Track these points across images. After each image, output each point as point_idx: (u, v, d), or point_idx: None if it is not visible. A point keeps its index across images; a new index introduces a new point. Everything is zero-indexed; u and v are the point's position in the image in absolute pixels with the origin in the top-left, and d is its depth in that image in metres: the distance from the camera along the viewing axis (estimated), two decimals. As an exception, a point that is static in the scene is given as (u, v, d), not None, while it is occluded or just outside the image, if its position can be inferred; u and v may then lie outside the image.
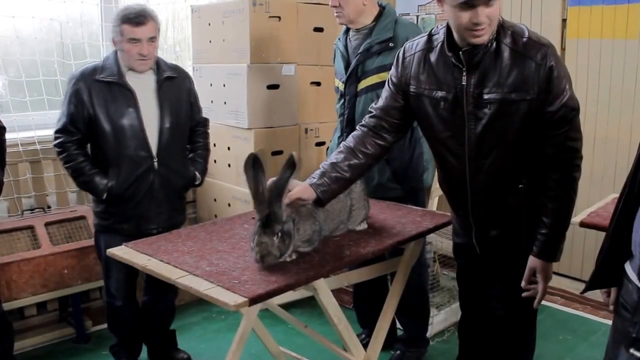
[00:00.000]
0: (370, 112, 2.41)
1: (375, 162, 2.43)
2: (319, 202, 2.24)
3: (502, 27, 2.07)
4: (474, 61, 2.08)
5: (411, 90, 2.27)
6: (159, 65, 2.98)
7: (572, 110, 2.06)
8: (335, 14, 2.99)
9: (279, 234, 2.05)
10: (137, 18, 2.78)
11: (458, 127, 2.16)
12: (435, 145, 2.32)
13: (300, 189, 2.19)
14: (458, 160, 2.22)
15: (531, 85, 2.03)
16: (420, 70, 2.24)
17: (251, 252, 2.09)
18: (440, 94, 2.18)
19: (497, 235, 2.30)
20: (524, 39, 2.05)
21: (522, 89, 2.03)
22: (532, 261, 2.17)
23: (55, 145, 2.90)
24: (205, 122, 3.29)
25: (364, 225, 2.52)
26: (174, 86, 3.03)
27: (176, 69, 3.11)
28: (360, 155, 2.31)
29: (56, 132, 2.89)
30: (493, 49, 2.06)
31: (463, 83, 2.11)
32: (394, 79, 2.35)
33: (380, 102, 2.40)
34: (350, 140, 2.37)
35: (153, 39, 2.86)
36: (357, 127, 2.42)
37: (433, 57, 2.20)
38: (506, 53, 2.05)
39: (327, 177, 2.25)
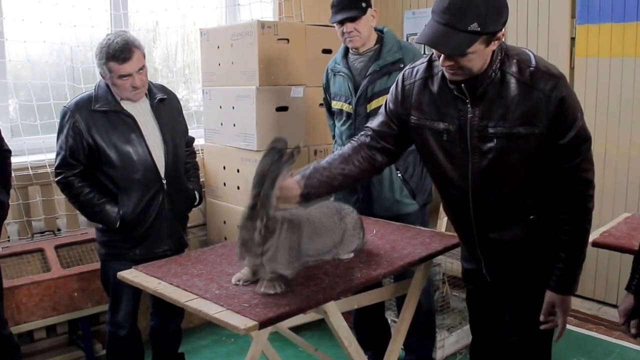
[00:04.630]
0: (366, 129, 2.35)
1: (366, 177, 2.43)
2: (302, 200, 2.20)
3: (507, 56, 1.98)
4: (477, 92, 1.99)
5: (412, 121, 2.19)
6: (150, 89, 2.98)
7: (584, 141, 1.98)
8: (349, 39, 3.03)
9: (263, 220, 1.98)
10: (123, 54, 2.72)
11: (461, 160, 2.08)
12: (437, 177, 2.23)
13: (286, 183, 2.12)
14: (461, 193, 2.13)
15: (540, 119, 1.94)
16: (421, 99, 2.15)
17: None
18: (442, 125, 2.09)
19: (508, 265, 2.23)
20: (531, 69, 1.95)
21: (530, 122, 1.94)
22: (550, 295, 2.11)
23: (57, 182, 2.87)
24: (192, 142, 3.31)
25: (350, 255, 2.43)
26: (167, 107, 3.04)
27: (165, 89, 3.11)
28: (355, 166, 2.27)
29: (57, 168, 2.85)
30: (498, 80, 1.97)
31: (469, 115, 2.02)
32: (391, 106, 2.27)
33: (375, 124, 2.32)
34: (346, 149, 2.32)
35: (142, 68, 2.82)
36: (352, 140, 2.37)
37: (434, 86, 2.11)
38: (512, 84, 1.96)
39: (317, 180, 2.21)
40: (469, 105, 2.02)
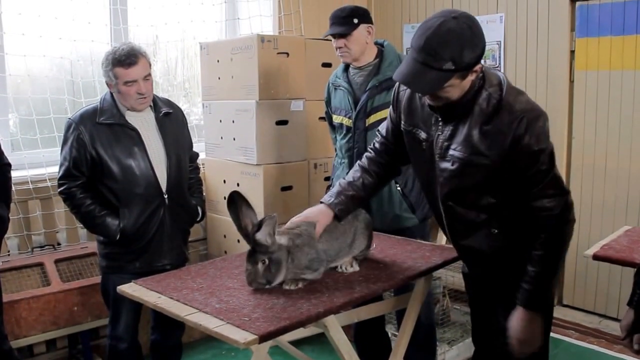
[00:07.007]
0: (377, 135, 2.51)
1: (385, 183, 2.59)
2: (336, 219, 2.35)
3: (483, 87, 2.00)
4: (448, 115, 2.06)
5: (402, 125, 2.29)
6: (155, 102, 2.99)
7: (545, 174, 1.98)
8: (340, 54, 3.07)
9: (265, 262, 2.13)
10: (129, 59, 2.74)
11: (432, 171, 2.17)
12: (419, 180, 2.39)
13: (320, 220, 2.29)
14: (434, 199, 2.24)
15: (495, 150, 1.96)
16: (409, 107, 2.24)
17: None
18: (422, 135, 2.18)
19: (480, 273, 2.32)
20: (494, 102, 1.97)
21: (482, 153, 1.99)
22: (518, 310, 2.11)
23: (60, 193, 2.88)
24: (196, 157, 3.32)
25: (355, 267, 2.42)
26: (172, 121, 3.04)
27: (170, 104, 3.11)
28: (373, 175, 2.43)
29: (60, 179, 2.87)
30: (469, 107, 2.00)
31: (437, 132, 2.11)
32: (391, 110, 2.40)
33: (382, 127, 2.49)
34: (364, 160, 2.49)
35: (148, 76, 2.84)
36: (368, 149, 2.53)
37: (421, 97, 2.19)
38: (477, 114, 1.99)
39: (344, 196, 2.37)
40: (440, 123, 2.10)
